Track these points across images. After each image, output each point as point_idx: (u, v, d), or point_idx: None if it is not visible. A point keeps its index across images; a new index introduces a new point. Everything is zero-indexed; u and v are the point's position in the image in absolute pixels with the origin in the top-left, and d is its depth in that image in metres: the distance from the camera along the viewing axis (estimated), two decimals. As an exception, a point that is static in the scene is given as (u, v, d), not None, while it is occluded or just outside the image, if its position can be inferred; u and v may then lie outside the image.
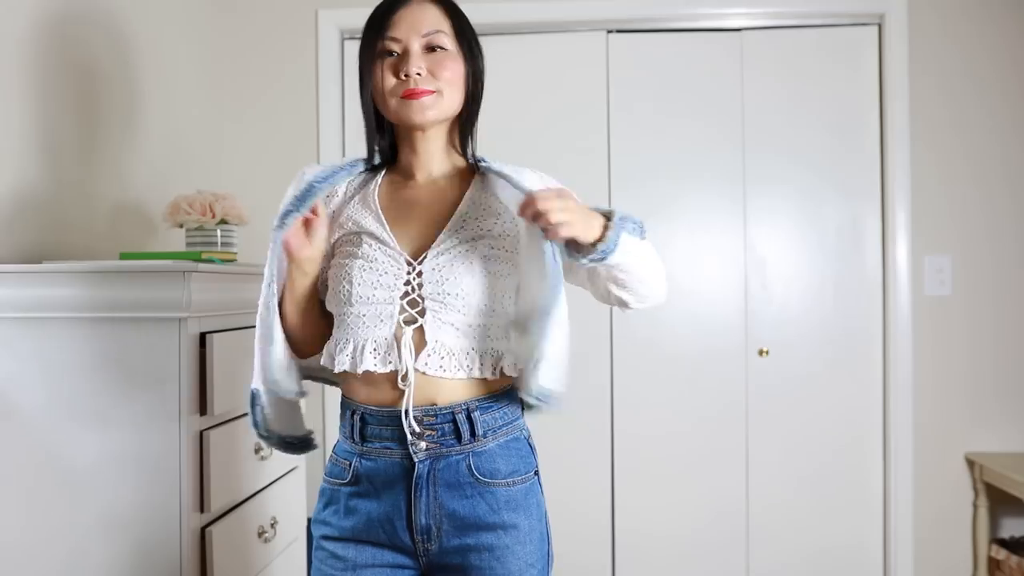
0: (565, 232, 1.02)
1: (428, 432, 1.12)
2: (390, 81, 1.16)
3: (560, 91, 2.74)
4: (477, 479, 1.13)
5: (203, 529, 1.49)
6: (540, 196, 1.01)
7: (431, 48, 1.16)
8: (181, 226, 1.88)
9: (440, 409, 1.12)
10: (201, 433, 1.49)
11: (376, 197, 1.21)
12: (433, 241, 1.15)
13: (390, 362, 1.11)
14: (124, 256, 1.79)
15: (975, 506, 2.61)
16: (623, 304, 1.20)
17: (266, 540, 1.70)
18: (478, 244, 1.14)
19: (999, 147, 2.63)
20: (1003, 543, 2.56)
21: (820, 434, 2.69)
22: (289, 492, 1.88)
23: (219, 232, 1.87)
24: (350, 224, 1.19)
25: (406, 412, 1.11)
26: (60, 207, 1.80)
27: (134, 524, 1.44)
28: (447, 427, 1.12)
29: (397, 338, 1.11)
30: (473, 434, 1.13)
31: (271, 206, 1.24)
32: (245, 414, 1.65)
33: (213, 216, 1.84)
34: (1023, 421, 2.63)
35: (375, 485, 1.14)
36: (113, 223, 2.00)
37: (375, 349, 1.11)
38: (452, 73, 1.17)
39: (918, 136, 2.63)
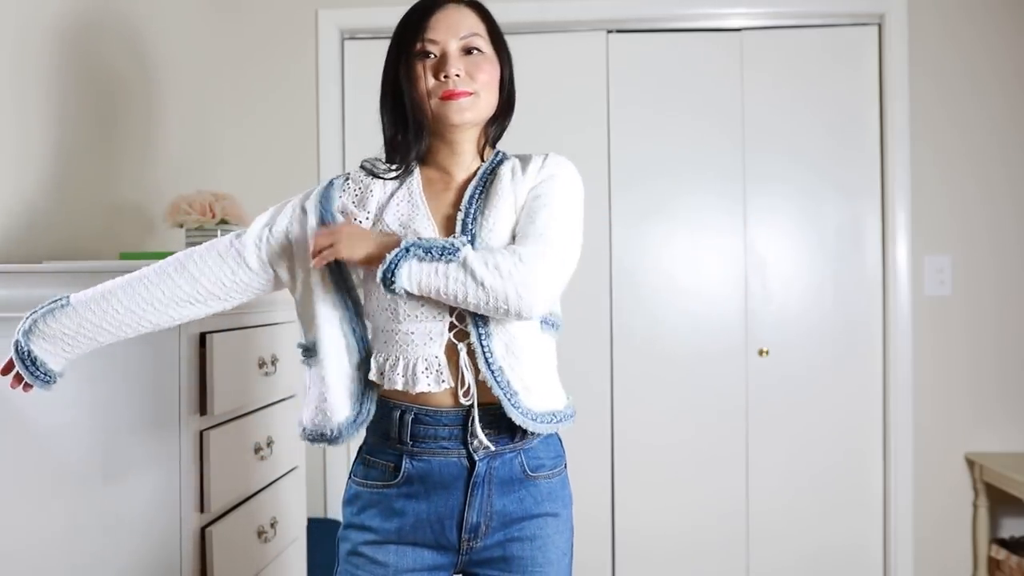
0: (339, 255, 1.09)
1: (488, 432, 1.13)
2: (430, 81, 1.16)
3: (560, 91, 2.74)
4: (527, 474, 1.16)
5: (203, 529, 1.49)
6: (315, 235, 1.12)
7: (467, 50, 1.17)
8: (181, 226, 1.88)
9: (497, 408, 1.12)
10: (201, 433, 1.49)
11: (422, 195, 1.19)
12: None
13: (443, 381, 1.11)
14: (124, 256, 1.79)
15: (975, 506, 2.60)
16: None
17: (266, 540, 1.70)
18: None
19: (999, 147, 2.63)
20: (1003, 543, 2.56)
21: (820, 434, 2.69)
22: (289, 492, 1.88)
23: (219, 232, 1.86)
24: (397, 225, 1.15)
25: (472, 420, 1.12)
26: (60, 207, 1.80)
27: (134, 524, 1.44)
28: (502, 425, 1.13)
29: (448, 356, 1.12)
30: (524, 431, 1.14)
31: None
32: (245, 414, 1.66)
33: (213, 216, 1.84)
34: (1023, 421, 2.63)
35: (427, 486, 1.14)
36: (113, 223, 2.00)
37: (427, 369, 1.11)
38: (488, 76, 1.18)
39: (918, 136, 2.63)
